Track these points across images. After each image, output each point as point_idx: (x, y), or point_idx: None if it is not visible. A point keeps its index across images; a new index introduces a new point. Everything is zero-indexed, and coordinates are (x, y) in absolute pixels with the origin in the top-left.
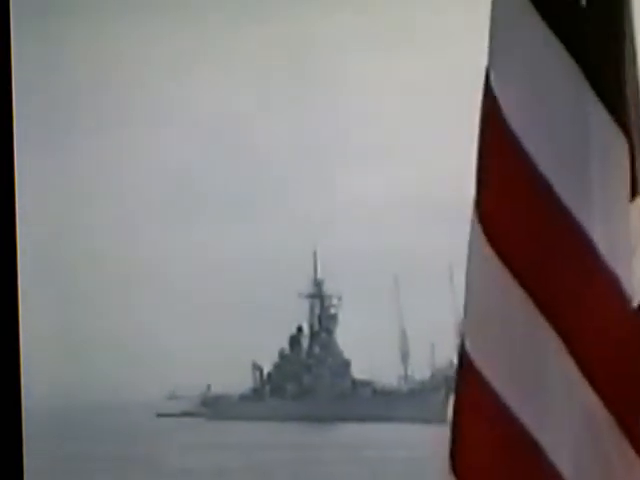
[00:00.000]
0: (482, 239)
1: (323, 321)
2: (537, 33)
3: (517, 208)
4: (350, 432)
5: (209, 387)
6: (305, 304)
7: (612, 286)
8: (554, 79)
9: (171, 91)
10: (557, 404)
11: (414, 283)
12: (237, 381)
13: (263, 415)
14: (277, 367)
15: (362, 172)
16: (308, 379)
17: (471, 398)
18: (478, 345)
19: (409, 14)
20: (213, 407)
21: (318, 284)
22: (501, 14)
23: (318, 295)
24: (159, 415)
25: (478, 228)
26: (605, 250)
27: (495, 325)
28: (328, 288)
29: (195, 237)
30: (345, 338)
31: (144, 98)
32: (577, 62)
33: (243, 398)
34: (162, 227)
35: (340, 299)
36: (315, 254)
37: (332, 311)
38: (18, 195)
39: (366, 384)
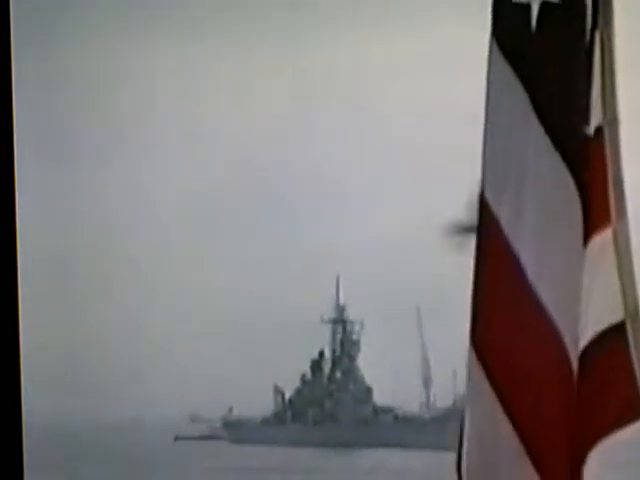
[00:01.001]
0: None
1: (345, 346)
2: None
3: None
4: (371, 458)
5: (231, 409)
6: (327, 329)
7: (555, 341)
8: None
9: (184, 117)
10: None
11: (436, 310)
12: (259, 404)
13: (285, 440)
14: (299, 392)
15: (388, 201)
16: (330, 404)
17: None
18: None
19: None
20: (235, 430)
21: (341, 309)
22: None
23: (340, 320)
24: (178, 438)
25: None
26: (552, 304)
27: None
28: (350, 314)
29: (221, 260)
30: (367, 364)
31: (155, 123)
32: (527, 91)
33: (265, 422)
34: (189, 247)
35: (362, 325)
36: (338, 279)
37: (354, 337)
38: (18, 206)
39: (388, 410)
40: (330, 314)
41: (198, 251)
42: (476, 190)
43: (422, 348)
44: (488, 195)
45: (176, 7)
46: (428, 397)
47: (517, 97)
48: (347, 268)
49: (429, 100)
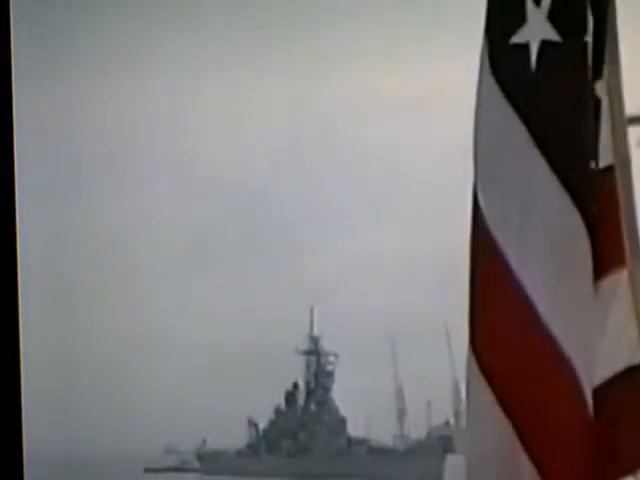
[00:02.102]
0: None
1: (319, 378)
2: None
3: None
4: None
5: (205, 441)
6: (302, 360)
7: (569, 380)
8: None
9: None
10: None
11: (411, 341)
12: (233, 436)
13: (259, 471)
14: (273, 423)
15: (359, 232)
16: (304, 436)
17: None
18: None
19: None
20: (209, 462)
21: (315, 340)
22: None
23: (315, 352)
24: (147, 470)
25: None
26: (566, 343)
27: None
28: (325, 345)
29: (191, 292)
30: (341, 395)
31: (155, 151)
32: (530, 132)
33: (239, 453)
34: (158, 283)
35: (337, 356)
36: (312, 311)
37: (329, 368)
38: (18, 206)
39: (362, 442)
40: (304, 345)
41: (170, 282)
42: (452, 223)
43: (396, 379)
44: (493, 228)
45: (170, 40)
46: (402, 428)
47: (518, 135)
48: (321, 299)
49: (414, 135)
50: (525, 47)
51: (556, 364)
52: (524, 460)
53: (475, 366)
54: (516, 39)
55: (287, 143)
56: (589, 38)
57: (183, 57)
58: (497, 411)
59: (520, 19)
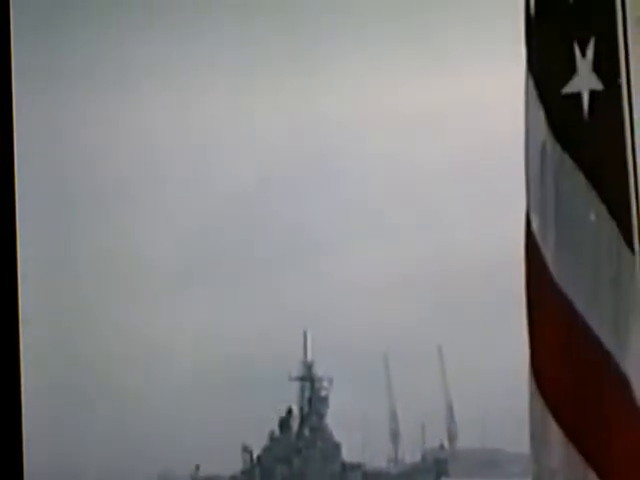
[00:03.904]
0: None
1: (314, 404)
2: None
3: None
4: None
5: (198, 468)
6: (296, 386)
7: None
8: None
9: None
10: None
11: (404, 364)
12: (227, 462)
13: None
14: (267, 450)
15: (350, 253)
16: (298, 462)
17: None
18: None
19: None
20: None
21: (308, 366)
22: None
23: (308, 378)
24: None
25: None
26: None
27: None
28: (319, 370)
29: (181, 314)
30: (336, 420)
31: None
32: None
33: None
34: (145, 306)
35: (331, 381)
36: (305, 335)
37: (323, 393)
38: (18, 207)
39: (356, 467)
40: (298, 371)
41: (163, 301)
42: (438, 245)
43: (390, 402)
44: (543, 248)
45: (175, 48)
46: (396, 452)
47: (577, 182)
48: (314, 323)
49: (398, 159)
50: (577, 96)
51: (613, 379)
52: (593, 477)
53: (534, 386)
54: (568, 89)
55: (279, 160)
56: (622, 81)
57: (185, 73)
58: (557, 429)
59: (571, 70)
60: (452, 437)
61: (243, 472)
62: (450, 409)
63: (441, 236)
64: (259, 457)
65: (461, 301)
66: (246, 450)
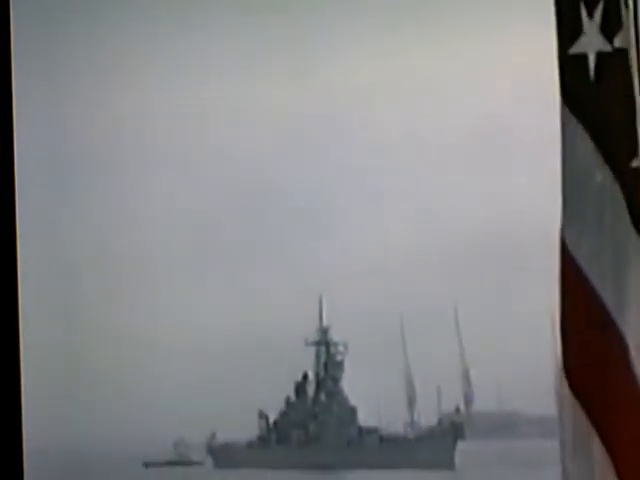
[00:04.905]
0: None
1: (329, 369)
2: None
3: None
4: (357, 479)
5: (214, 434)
6: (311, 351)
7: None
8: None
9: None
10: None
11: (420, 327)
12: (243, 428)
13: (269, 463)
14: (283, 415)
15: (364, 218)
16: (314, 427)
17: None
18: None
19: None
20: (219, 455)
21: (324, 331)
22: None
23: (324, 342)
24: (147, 464)
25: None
26: None
27: None
28: (334, 335)
29: (197, 285)
30: (352, 385)
31: (155, 142)
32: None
33: (250, 446)
34: (163, 276)
35: (347, 346)
36: (321, 300)
37: (338, 358)
38: (18, 207)
39: (372, 431)
40: (314, 336)
41: (180, 271)
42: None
43: (406, 366)
44: (568, 240)
45: (176, 24)
46: (412, 416)
47: (584, 144)
48: (330, 288)
49: (428, 120)
50: (584, 57)
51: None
52: None
53: (567, 390)
54: (574, 50)
55: (294, 128)
56: (629, 44)
57: (185, 58)
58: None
59: (577, 31)
60: (468, 400)
61: (259, 437)
62: (466, 373)
63: (454, 199)
64: (275, 422)
65: (477, 264)
66: (262, 416)
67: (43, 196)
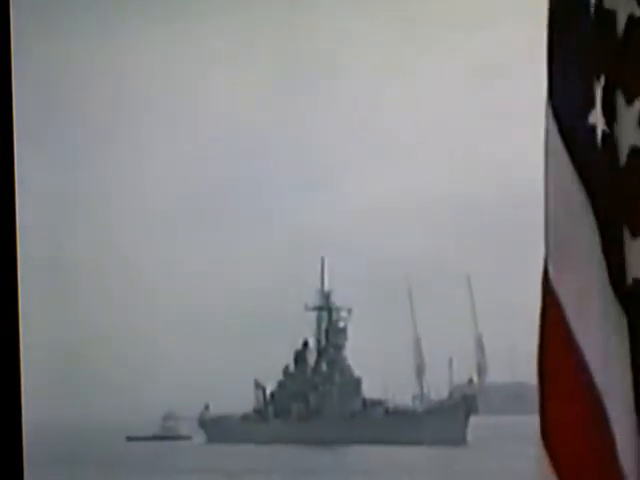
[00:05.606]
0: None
1: (331, 336)
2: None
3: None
4: (361, 456)
5: (207, 407)
6: (311, 317)
7: None
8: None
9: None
10: None
11: (429, 293)
12: (238, 401)
13: (266, 438)
14: (281, 386)
15: (368, 177)
16: (315, 399)
17: None
18: None
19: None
20: (212, 429)
21: (326, 295)
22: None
23: (326, 307)
24: (130, 439)
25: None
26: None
27: None
28: (337, 300)
29: (196, 247)
30: (355, 353)
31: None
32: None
33: (245, 419)
34: (161, 238)
35: (350, 312)
36: (322, 263)
37: (341, 324)
38: (18, 206)
39: (378, 404)
40: (314, 301)
41: (178, 236)
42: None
43: (414, 334)
44: (553, 278)
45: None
46: (421, 388)
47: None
48: (332, 251)
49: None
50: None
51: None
52: None
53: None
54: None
55: (295, 84)
56: None
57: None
58: None
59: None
60: (482, 371)
61: (255, 410)
62: (479, 341)
63: (463, 157)
64: (272, 394)
65: (487, 225)
66: (258, 386)
67: (44, 200)
